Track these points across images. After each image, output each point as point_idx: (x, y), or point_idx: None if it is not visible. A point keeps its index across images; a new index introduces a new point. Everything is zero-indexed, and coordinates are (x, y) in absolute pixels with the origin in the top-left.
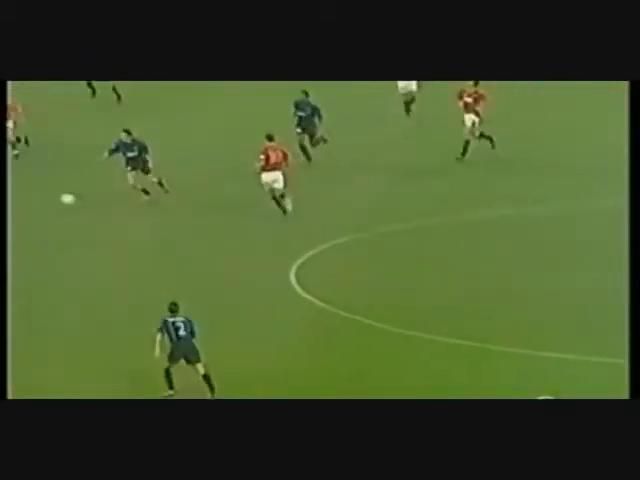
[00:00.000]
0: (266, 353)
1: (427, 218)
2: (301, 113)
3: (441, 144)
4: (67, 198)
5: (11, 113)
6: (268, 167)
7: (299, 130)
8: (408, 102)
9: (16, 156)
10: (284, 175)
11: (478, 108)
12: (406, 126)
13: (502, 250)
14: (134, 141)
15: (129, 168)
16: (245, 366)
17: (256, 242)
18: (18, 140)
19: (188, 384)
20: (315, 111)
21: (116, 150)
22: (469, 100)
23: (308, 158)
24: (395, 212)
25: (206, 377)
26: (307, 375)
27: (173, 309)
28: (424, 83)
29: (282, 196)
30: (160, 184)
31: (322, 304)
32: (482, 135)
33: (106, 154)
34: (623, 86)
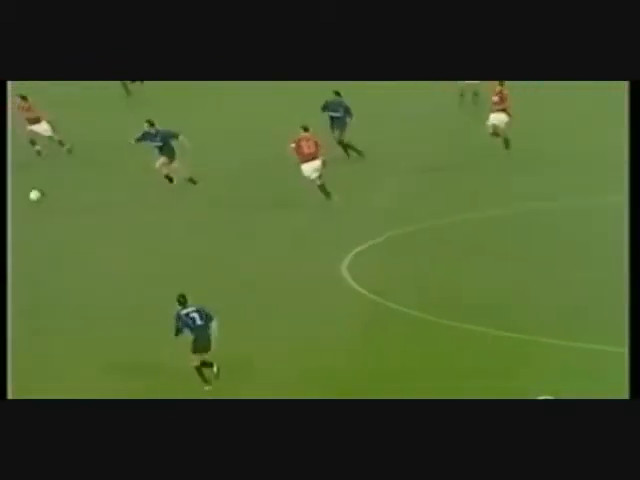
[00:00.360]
0: (317, 347)
1: (471, 212)
2: (333, 113)
3: (466, 141)
4: (33, 194)
5: (40, 114)
6: (305, 158)
7: (333, 130)
8: (473, 95)
9: (38, 152)
10: (323, 163)
11: (504, 107)
12: (431, 124)
13: (544, 242)
14: (157, 132)
15: (160, 156)
16: (295, 360)
17: (306, 236)
18: (62, 144)
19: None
20: (347, 111)
21: (143, 139)
22: (495, 99)
23: (358, 152)
24: (440, 207)
25: (204, 364)
26: (357, 369)
27: (182, 301)
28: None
29: (322, 186)
30: (191, 180)
31: (373, 297)
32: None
33: (132, 141)
34: (623, 86)
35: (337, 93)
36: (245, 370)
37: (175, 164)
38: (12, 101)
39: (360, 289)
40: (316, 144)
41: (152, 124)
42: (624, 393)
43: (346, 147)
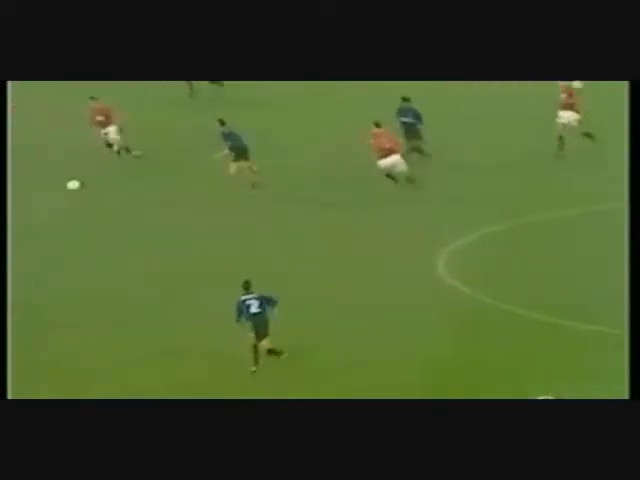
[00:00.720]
0: (414, 343)
1: (565, 209)
2: (404, 119)
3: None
4: (72, 184)
5: (112, 117)
6: (384, 153)
7: (405, 136)
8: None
9: (118, 152)
10: (403, 157)
11: (573, 103)
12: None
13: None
14: (230, 132)
15: (232, 158)
16: (391, 355)
17: (401, 232)
18: (128, 150)
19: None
20: (418, 117)
21: (225, 139)
22: (564, 96)
23: (425, 155)
24: (535, 203)
25: (270, 351)
26: (453, 364)
27: (246, 287)
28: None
29: (409, 179)
30: (251, 169)
31: (471, 293)
32: (586, 134)
33: (226, 151)
34: (623, 86)
35: (406, 99)
36: (355, 371)
37: (244, 163)
38: (88, 106)
39: (458, 285)
40: (393, 139)
41: (223, 123)
42: (624, 393)
43: (418, 150)
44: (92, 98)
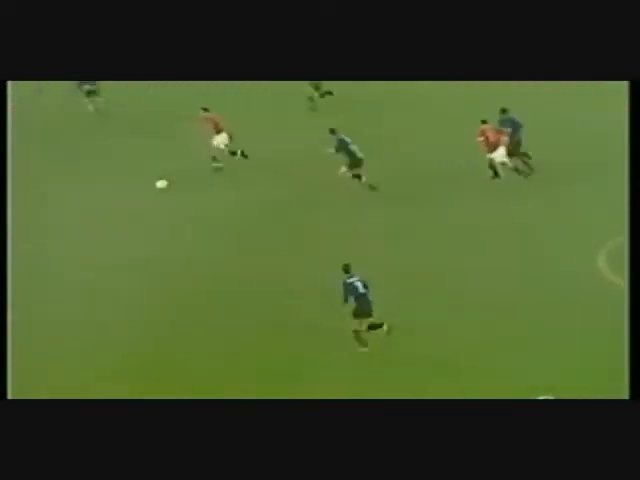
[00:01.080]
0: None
1: None
2: (506, 130)
3: None
4: (160, 183)
5: (218, 125)
6: (493, 146)
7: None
8: None
9: (218, 169)
10: (507, 148)
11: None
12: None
13: None
14: (342, 140)
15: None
16: (558, 355)
17: (562, 227)
18: (233, 153)
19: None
20: (517, 126)
21: (339, 148)
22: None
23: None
24: None
25: (371, 327)
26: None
27: (347, 269)
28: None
29: (517, 169)
30: (358, 177)
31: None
32: None
33: (332, 150)
34: (623, 86)
35: (504, 110)
36: (506, 371)
37: (356, 171)
38: (199, 117)
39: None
40: (497, 132)
41: (333, 132)
42: (624, 393)
43: (523, 156)
44: (204, 109)
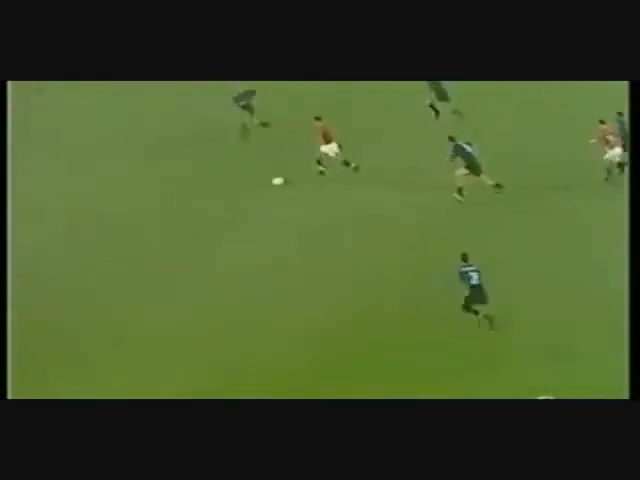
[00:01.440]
0: None
1: None
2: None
3: None
4: (277, 180)
5: (328, 135)
6: (611, 145)
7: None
8: None
9: (322, 172)
10: (623, 148)
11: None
12: None
13: None
14: (460, 147)
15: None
16: None
17: None
18: (347, 164)
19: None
20: (624, 130)
21: (455, 154)
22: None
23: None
24: None
25: (487, 317)
26: None
27: (465, 258)
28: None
29: (620, 165)
30: (497, 186)
31: None
32: None
33: (447, 158)
34: (623, 86)
35: (620, 113)
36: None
37: (476, 178)
38: (315, 126)
39: None
40: (612, 134)
41: (452, 139)
42: (624, 393)
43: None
44: (317, 118)
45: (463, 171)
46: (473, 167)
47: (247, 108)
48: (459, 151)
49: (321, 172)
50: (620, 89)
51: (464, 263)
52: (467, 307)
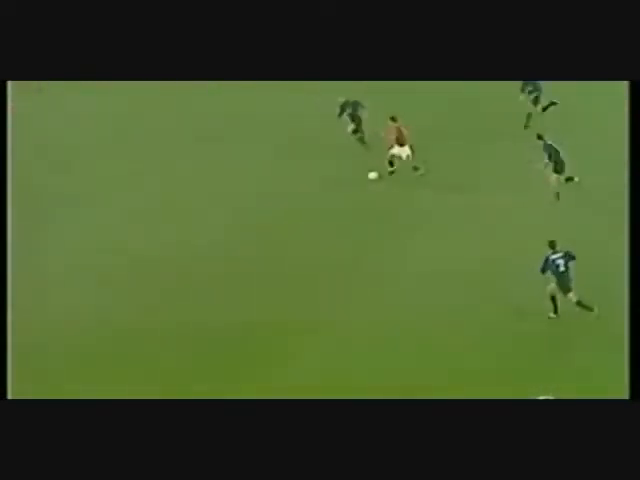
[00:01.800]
0: None
1: None
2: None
3: None
4: (372, 175)
5: (401, 137)
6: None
7: None
8: None
9: (391, 173)
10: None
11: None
12: None
13: None
14: (549, 145)
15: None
16: None
17: None
18: (416, 169)
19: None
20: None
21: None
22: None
23: None
24: None
25: (579, 303)
26: None
27: (552, 246)
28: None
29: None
30: (569, 179)
31: None
32: None
33: (543, 164)
34: (623, 86)
35: (540, 137)
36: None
37: (559, 176)
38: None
39: None
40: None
41: (540, 138)
42: (624, 393)
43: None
44: (392, 119)
45: (553, 175)
46: (558, 164)
47: (354, 118)
48: (548, 149)
49: (391, 172)
50: (620, 89)
51: (552, 250)
52: (580, 303)
